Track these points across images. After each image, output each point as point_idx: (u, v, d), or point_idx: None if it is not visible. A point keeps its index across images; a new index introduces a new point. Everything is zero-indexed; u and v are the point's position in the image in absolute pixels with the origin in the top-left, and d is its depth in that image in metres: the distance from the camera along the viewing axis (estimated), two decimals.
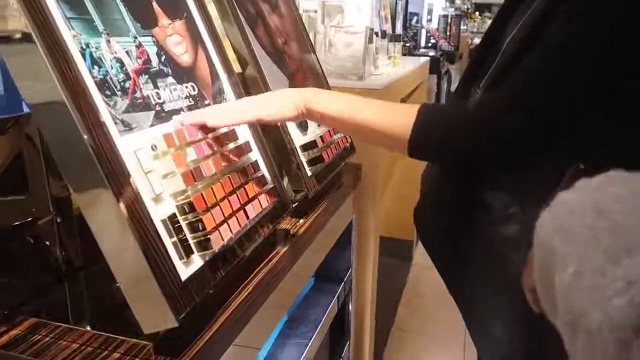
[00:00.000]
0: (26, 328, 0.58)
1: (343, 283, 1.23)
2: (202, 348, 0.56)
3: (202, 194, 0.59)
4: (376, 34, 1.81)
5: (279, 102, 0.66)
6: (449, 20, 4.04)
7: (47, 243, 0.72)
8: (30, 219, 0.72)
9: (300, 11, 1.51)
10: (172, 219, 0.55)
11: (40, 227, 0.72)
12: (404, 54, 2.34)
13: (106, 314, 0.67)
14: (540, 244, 0.34)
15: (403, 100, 2.16)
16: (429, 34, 3.59)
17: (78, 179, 0.50)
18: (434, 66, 2.62)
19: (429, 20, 4.18)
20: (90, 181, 0.50)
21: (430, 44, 3.53)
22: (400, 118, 0.62)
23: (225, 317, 0.61)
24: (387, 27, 2.32)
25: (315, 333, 1.06)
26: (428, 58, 2.60)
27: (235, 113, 0.67)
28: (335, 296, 1.18)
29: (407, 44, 2.83)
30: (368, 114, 0.63)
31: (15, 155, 0.73)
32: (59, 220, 0.72)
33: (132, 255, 0.50)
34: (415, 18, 3.63)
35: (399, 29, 2.74)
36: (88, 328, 0.59)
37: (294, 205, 0.86)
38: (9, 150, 0.73)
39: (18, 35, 0.48)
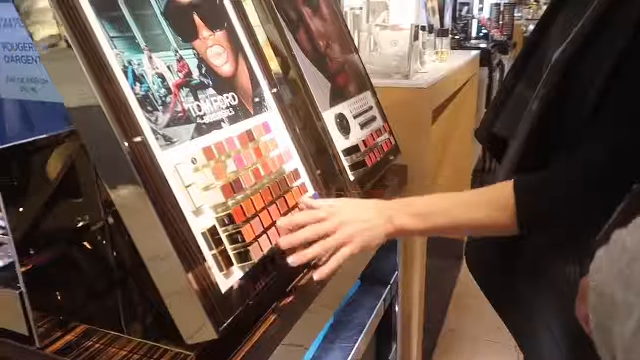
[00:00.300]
0: (79, 334, 0.61)
1: (389, 286, 1.21)
2: (244, 358, 0.56)
3: (241, 206, 0.60)
4: (423, 28, 1.76)
5: (376, 239, 0.68)
6: (502, 9, 3.88)
7: (98, 250, 0.75)
8: (82, 224, 0.76)
9: (345, 9, 1.50)
10: (212, 231, 0.56)
11: (92, 234, 0.75)
12: (453, 48, 2.27)
13: (153, 322, 0.69)
14: (598, 289, 0.32)
15: (452, 96, 2.10)
16: (480, 25, 3.47)
17: (121, 194, 0.52)
18: (485, 59, 2.54)
19: (481, 10, 4.03)
20: (133, 196, 0.51)
21: (482, 35, 3.41)
22: (494, 204, 0.62)
23: (267, 326, 0.62)
24: (436, 20, 2.25)
25: (361, 337, 1.05)
26: (478, 51, 2.51)
27: (335, 255, 0.65)
28: (382, 299, 1.17)
29: (457, 37, 2.75)
30: (462, 215, 0.64)
31: (70, 165, 0.76)
32: (110, 224, 0.75)
33: (173, 268, 0.51)
34: (466, 8, 3.51)
35: (447, 21, 2.66)
36: (136, 333, 0.62)
37: None
38: (65, 160, 0.77)
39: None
